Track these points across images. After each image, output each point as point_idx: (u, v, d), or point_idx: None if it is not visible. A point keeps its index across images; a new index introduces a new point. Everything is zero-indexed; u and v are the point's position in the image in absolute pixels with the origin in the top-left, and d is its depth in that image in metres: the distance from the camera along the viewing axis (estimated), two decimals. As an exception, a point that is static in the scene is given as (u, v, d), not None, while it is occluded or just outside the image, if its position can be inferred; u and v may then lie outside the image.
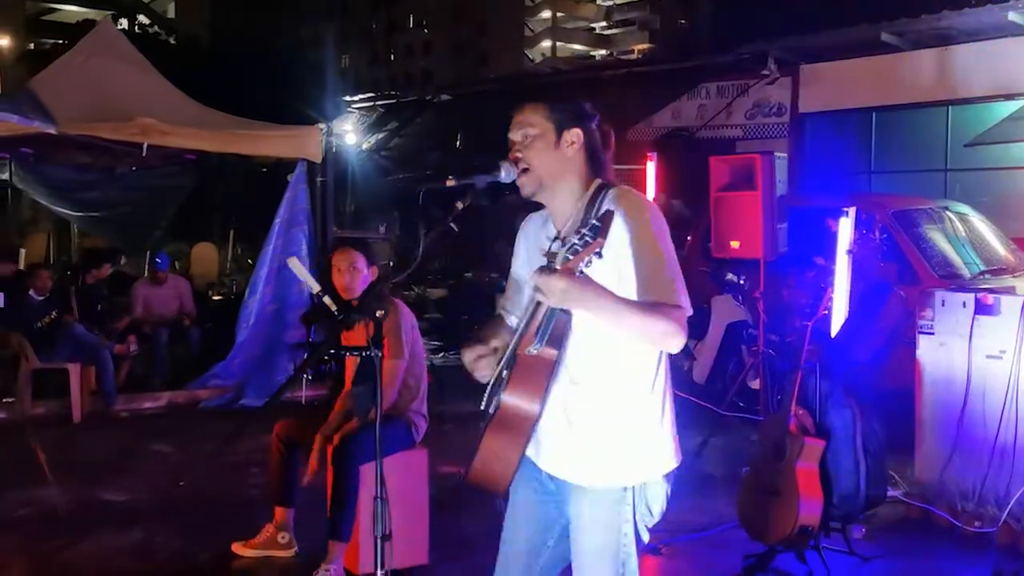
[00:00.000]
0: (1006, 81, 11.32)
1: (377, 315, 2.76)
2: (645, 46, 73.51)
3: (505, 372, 2.72)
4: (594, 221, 2.44)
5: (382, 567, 2.72)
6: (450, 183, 2.80)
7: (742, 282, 9.00)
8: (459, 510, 5.89)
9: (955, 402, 5.75)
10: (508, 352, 2.76)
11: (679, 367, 9.39)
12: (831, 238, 5.85)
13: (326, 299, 3.45)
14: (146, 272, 11.89)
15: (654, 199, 12.84)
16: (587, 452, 2.80)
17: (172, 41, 38.15)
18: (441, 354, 12.22)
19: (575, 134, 2.84)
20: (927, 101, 12.02)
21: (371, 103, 16.79)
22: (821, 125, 12.88)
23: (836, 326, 5.41)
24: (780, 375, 6.37)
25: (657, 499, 2.85)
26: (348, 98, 16.73)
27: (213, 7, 58.33)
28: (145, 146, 9.17)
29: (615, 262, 2.68)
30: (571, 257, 2.44)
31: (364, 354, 2.77)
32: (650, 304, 2.62)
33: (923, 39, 11.82)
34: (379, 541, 2.71)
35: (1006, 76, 11.29)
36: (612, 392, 2.79)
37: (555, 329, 2.66)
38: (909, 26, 11.68)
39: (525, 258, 3.04)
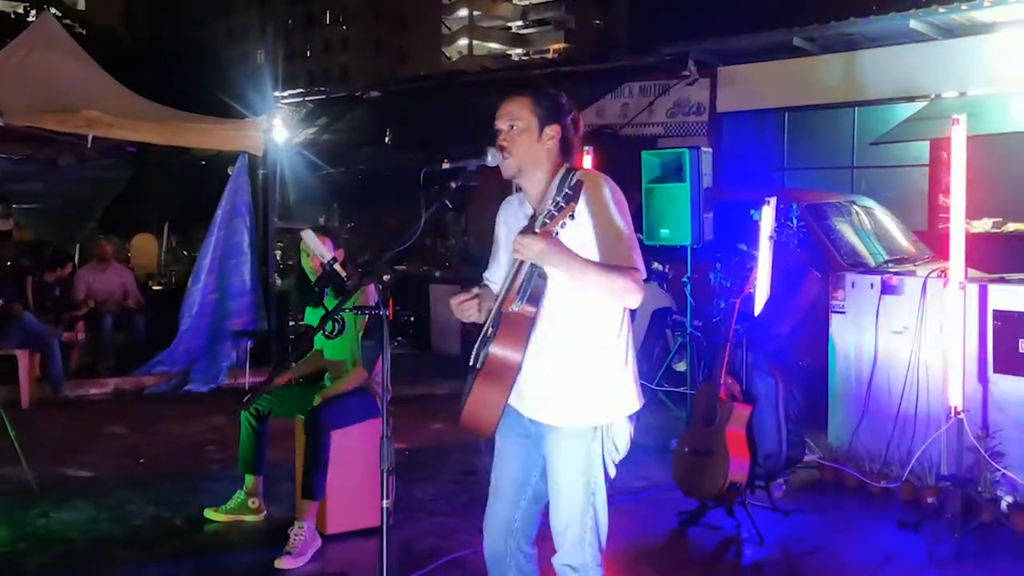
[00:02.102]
0: (907, 84, 12.09)
1: (384, 279, 3.18)
2: (561, 45, 74.41)
3: (491, 329, 3.17)
4: (567, 190, 2.92)
5: (387, 497, 3.13)
6: (445, 166, 3.24)
7: (666, 270, 9.59)
8: (410, 480, 6.33)
9: (863, 374, 6.37)
10: (494, 311, 3.20)
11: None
12: (753, 226, 6.41)
13: (337, 266, 3.81)
14: (76, 257, 11.99)
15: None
16: (561, 396, 3.26)
17: (84, 33, 37.57)
18: (376, 343, 12.55)
19: (555, 129, 3.30)
20: (835, 102, 12.75)
21: (300, 99, 17.07)
22: (738, 124, 13.55)
23: (759, 304, 5.96)
24: (708, 352, 6.91)
25: (622, 437, 3.33)
26: (277, 93, 16.94)
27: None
28: (91, 138, 9.35)
29: (579, 230, 3.16)
30: (548, 221, 2.92)
31: (372, 313, 3.18)
32: (612, 266, 3.11)
33: (832, 44, 12.54)
34: (384, 474, 3.12)
35: (907, 79, 12.06)
36: (582, 344, 3.25)
37: (534, 290, 3.13)
38: (819, 32, 12.38)
39: (505, 235, 3.49)
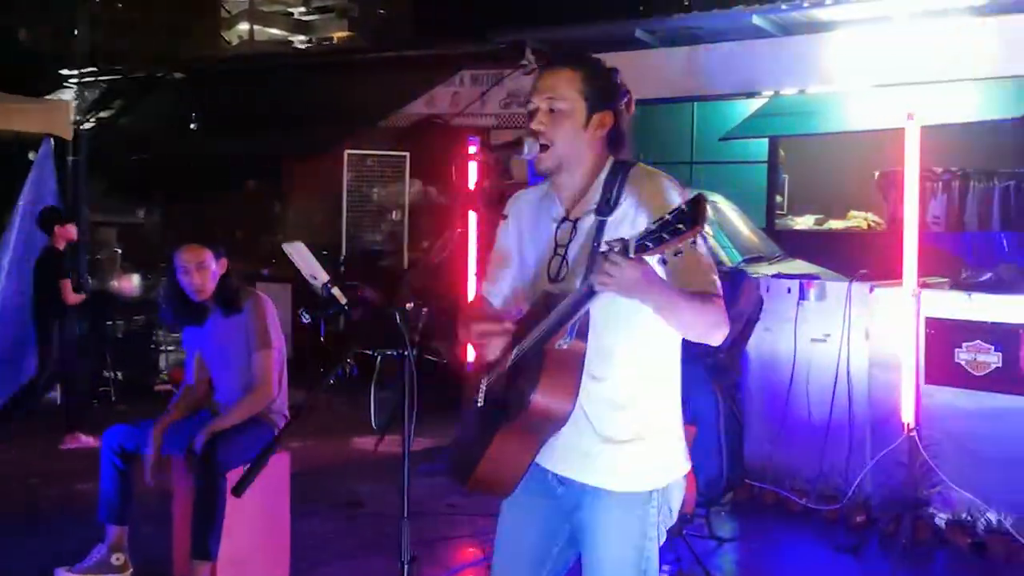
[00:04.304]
0: (748, 80, 11.98)
1: (408, 307, 2.45)
2: (345, 34, 72.86)
3: (528, 369, 2.47)
4: (683, 206, 2.15)
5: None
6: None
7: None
8: (295, 514, 5.51)
9: (781, 385, 5.98)
10: (529, 345, 2.50)
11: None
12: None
13: (335, 291, 3.00)
14: None
15: (411, 187, 12.69)
16: (612, 454, 2.60)
17: None
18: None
19: (606, 117, 2.63)
20: (675, 96, 12.53)
21: (93, 79, 15.49)
22: (575, 117, 13.13)
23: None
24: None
25: (677, 500, 2.73)
26: (65, 71, 15.34)
27: None
28: None
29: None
30: (651, 245, 2.17)
31: (398, 354, 2.45)
32: (699, 295, 2.46)
33: (674, 37, 12.30)
34: (405, 568, 2.39)
35: (748, 75, 11.95)
36: (637, 388, 2.61)
37: (582, 321, 2.47)
38: (661, 23, 12.14)
39: (516, 236, 2.79)
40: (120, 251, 12.27)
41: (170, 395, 9.77)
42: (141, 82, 15.33)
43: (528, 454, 2.57)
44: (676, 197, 2.52)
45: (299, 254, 3.18)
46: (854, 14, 11.24)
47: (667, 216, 2.17)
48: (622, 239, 2.25)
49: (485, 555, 4.90)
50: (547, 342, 2.45)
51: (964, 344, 5.38)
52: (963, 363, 5.38)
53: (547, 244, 2.67)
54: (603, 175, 2.63)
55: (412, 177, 12.78)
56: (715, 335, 2.51)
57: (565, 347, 2.44)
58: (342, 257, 11.72)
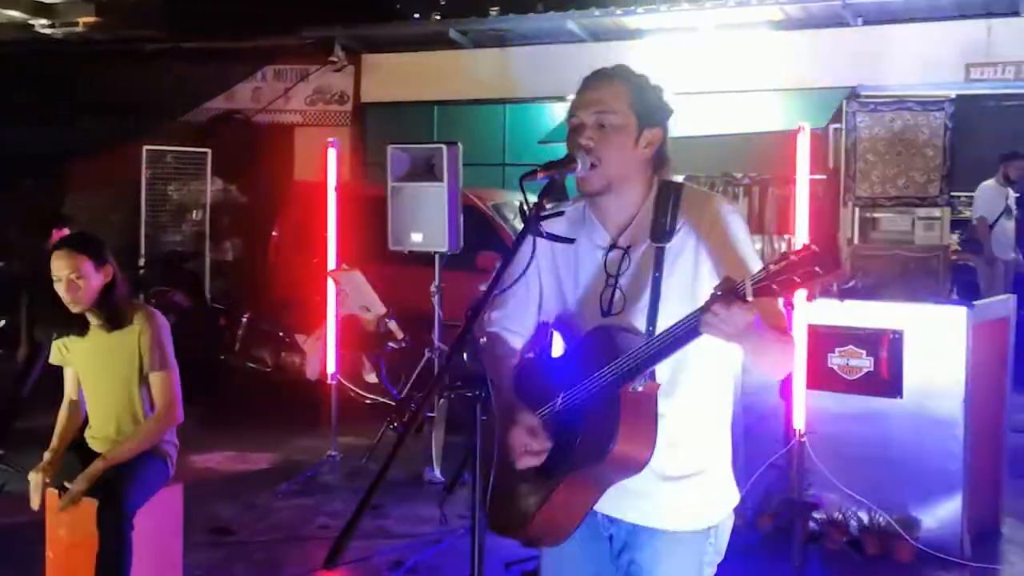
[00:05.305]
0: (558, 84, 12.10)
1: (483, 341, 2.20)
2: (92, 19, 68.98)
3: (594, 414, 2.30)
4: (813, 247, 1.97)
5: None
6: (540, 176, 2.39)
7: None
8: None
9: (655, 392, 6.01)
10: (595, 386, 2.32)
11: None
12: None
13: (391, 324, 2.61)
14: None
15: (213, 185, 12.05)
16: (668, 492, 2.46)
17: None
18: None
19: (656, 135, 2.47)
20: (486, 98, 12.52)
21: None
22: (383, 115, 12.91)
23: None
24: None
25: (726, 536, 2.60)
26: None
27: None
28: None
29: (700, 269, 2.39)
30: (776, 288, 1.98)
31: (458, 392, 2.20)
32: (778, 329, 2.33)
33: (485, 39, 12.30)
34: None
35: (558, 79, 12.07)
36: (695, 423, 2.49)
37: None
38: (474, 24, 12.11)
39: (547, 261, 2.59)
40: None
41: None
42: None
43: (591, 501, 2.42)
44: (739, 221, 2.42)
45: (351, 284, 2.80)
46: (662, 23, 11.61)
47: (792, 257, 1.99)
48: (732, 281, 2.07)
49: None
50: (620, 386, 2.28)
51: (837, 349, 5.57)
52: (836, 368, 5.57)
53: (593, 273, 2.51)
54: (651, 198, 2.48)
55: (213, 175, 12.17)
56: (785, 371, 2.45)
57: (640, 389, 2.28)
58: (141, 259, 10.99)
